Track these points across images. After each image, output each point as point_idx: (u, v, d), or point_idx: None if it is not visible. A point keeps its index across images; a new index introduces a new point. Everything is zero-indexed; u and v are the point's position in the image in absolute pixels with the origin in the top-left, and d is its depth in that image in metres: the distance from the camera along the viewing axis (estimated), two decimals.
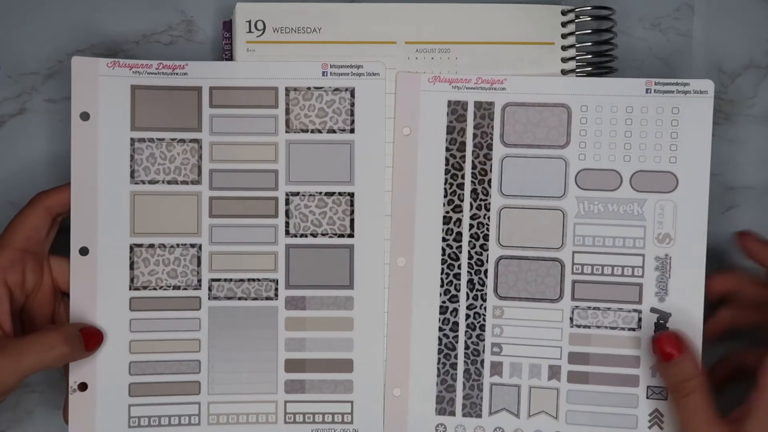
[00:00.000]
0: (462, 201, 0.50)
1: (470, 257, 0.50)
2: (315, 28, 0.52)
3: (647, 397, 0.50)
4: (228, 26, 0.52)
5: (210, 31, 0.53)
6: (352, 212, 0.50)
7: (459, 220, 0.50)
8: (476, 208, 0.50)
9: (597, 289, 0.50)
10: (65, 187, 0.48)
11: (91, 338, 0.47)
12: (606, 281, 0.50)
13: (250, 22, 0.51)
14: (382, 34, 0.52)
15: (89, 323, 0.48)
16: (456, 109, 0.50)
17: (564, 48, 0.52)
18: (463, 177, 0.50)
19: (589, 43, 0.52)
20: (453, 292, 0.50)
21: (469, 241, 0.50)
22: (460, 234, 0.50)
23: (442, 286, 0.50)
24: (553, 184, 0.50)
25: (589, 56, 0.52)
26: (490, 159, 0.50)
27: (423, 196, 0.50)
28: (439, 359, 0.50)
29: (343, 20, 0.52)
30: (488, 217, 0.50)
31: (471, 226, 0.50)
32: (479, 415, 0.50)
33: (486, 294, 0.50)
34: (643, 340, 0.50)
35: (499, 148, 0.50)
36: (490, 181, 0.50)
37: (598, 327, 0.50)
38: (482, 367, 0.50)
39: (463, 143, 0.50)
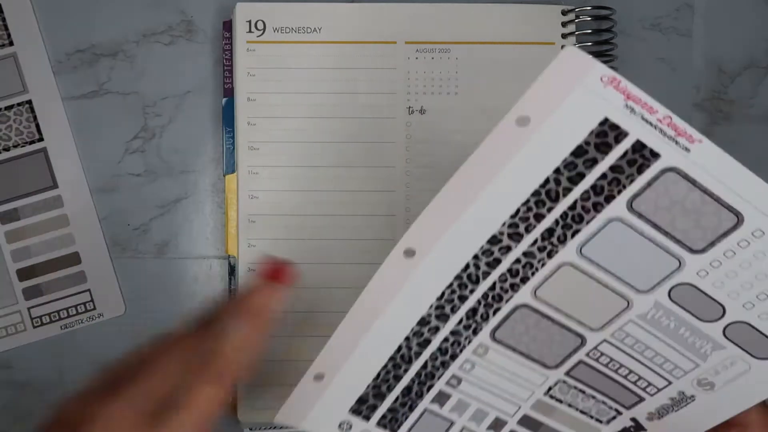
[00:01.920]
0: (526, 232, 0.38)
1: (492, 288, 0.40)
2: (315, 28, 0.52)
3: None
4: (228, 26, 0.52)
5: (210, 31, 0.53)
6: None
7: (507, 249, 0.39)
8: (537, 249, 0.39)
9: (598, 378, 0.44)
10: None
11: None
12: (613, 378, 0.44)
13: (250, 22, 0.51)
14: (382, 34, 0.52)
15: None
16: (606, 134, 0.36)
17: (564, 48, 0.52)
18: (549, 210, 0.38)
19: (589, 43, 0.52)
20: (446, 311, 0.40)
21: (503, 274, 0.39)
22: (497, 262, 0.39)
23: (439, 299, 0.40)
24: (644, 276, 0.40)
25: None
26: (598, 211, 0.38)
27: (486, 198, 0.37)
28: (385, 365, 0.41)
29: (343, 20, 0.52)
30: (543, 264, 0.39)
31: (517, 260, 0.39)
32: (394, 431, 0.43)
33: (480, 329, 0.41)
34: None
35: (618, 208, 0.38)
36: (576, 232, 0.38)
37: (569, 406, 0.45)
38: (427, 391, 0.42)
39: (582, 175, 0.37)
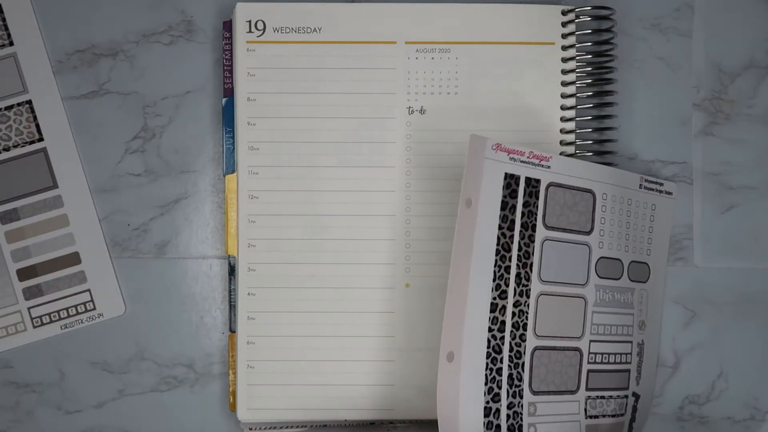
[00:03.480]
0: (507, 286, 0.46)
1: (511, 349, 0.46)
2: (315, 28, 0.52)
3: None
4: (228, 26, 0.52)
5: (210, 31, 0.53)
6: None
7: (504, 308, 0.46)
8: (518, 294, 0.47)
9: (603, 377, 0.50)
10: None
11: None
12: (609, 369, 0.50)
13: (250, 22, 0.51)
14: (382, 34, 0.52)
15: None
16: (510, 183, 0.47)
17: (564, 48, 0.52)
18: (509, 259, 0.46)
19: (589, 43, 0.52)
20: (495, 390, 0.46)
21: (511, 332, 0.46)
22: (504, 324, 0.46)
23: (486, 383, 0.46)
24: (578, 270, 0.49)
25: (589, 56, 0.52)
26: (533, 241, 0.47)
27: (475, 281, 0.46)
28: None
29: (343, 20, 0.52)
30: (528, 305, 0.47)
31: (513, 314, 0.47)
32: None
33: (523, 390, 0.47)
34: (625, 425, 0.51)
35: (541, 230, 0.48)
36: (531, 265, 0.47)
37: (604, 416, 0.50)
38: None
39: (513, 222, 0.47)
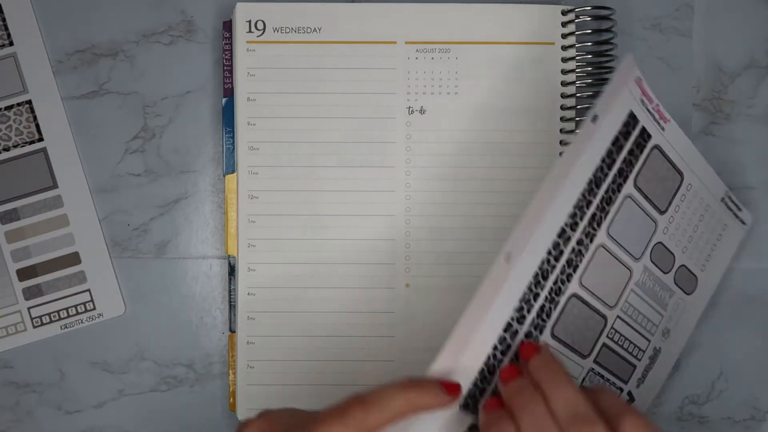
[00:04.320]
0: (581, 220, 0.43)
1: (555, 282, 0.43)
2: (315, 28, 0.52)
3: None
4: (228, 26, 0.52)
5: (210, 31, 0.53)
6: None
7: (569, 239, 0.43)
8: (584, 234, 0.44)
9: (613, 359, 0.48)
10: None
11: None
12: (620, 354, 0.48)
13: (250, 22, 0.51)
14: (382, 34, 0.52)
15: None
16: (629, 123, 0.45)
17: (564, 48, 0.52)
18: (594, 196, 0.44)
19: (589, 43, 0.52)
20: (525, 311, 0.42)
21: (563, 266, 0.43)
22: (561, 254, 0.43)
23: (521, 301, 0.42)
24: (639, 243, 0.47)
25: (589, 56, 0.52)
26: (619, 192, 0.45)
27: (561, 198, 0.42)
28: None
29: (343, 20, 0.52)
30: (587, 249, 0.44)
31: (572, 249, 0.44)
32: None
33: (545, 328, 0.44)
34: None
35: (629, 186, 0.45)
36: (607, 214, 0.45)
37: None
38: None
39: (614, 163, 0.44)
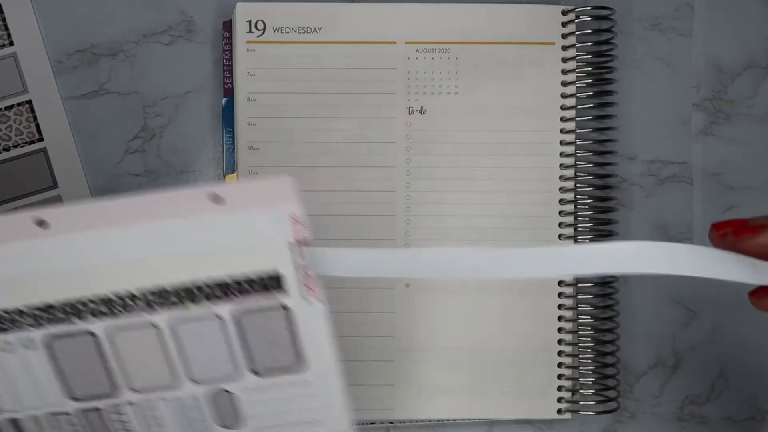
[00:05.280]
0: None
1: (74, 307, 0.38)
2: (315, 28, 0.52)
3: None
4: (228, 26, 0.52)
5: (210, 31, 0.53)
6: None
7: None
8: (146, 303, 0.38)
9: (101, 428, 0.41)
10: None
11: None
12: None
13: (250, 22, 0.51)
14: (382, 34, 0.52)
15: None
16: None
17: (564, 48, 0.52)
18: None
19: (589, 43, 0.52)
20: None
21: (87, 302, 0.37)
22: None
23: None
24: (205, 370, 0.40)
25: (589, 56, 0.52)
26: (209, 300, 0.38)
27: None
28: None
29: (343, 20, 0.52)
30: (136, 312, 0.37)
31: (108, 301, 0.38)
32: None
33: (45, 327, 0.38)
34: None
35: (225, 309, 0.38)
36: (177, 305, 0.38)
37: None
38: None
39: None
